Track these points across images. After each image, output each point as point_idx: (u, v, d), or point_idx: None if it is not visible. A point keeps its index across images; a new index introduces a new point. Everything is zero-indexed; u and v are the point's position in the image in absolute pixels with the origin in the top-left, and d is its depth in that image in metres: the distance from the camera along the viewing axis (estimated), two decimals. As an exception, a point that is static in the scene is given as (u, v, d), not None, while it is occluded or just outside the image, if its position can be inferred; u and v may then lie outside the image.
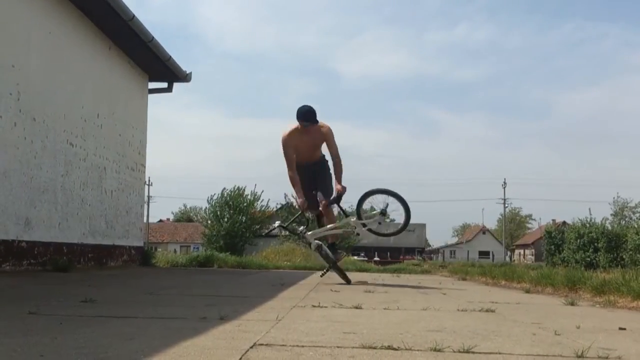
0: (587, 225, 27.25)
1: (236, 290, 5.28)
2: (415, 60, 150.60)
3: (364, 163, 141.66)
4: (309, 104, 6.35)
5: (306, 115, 6.22)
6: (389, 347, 2.19)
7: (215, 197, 32.32)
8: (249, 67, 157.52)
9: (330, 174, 6.55)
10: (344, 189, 6.36)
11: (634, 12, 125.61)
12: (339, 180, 6.39)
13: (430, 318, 3.30)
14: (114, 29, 9.30)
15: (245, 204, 31.92)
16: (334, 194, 6.41)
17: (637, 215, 46.29)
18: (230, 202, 31.75)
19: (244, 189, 32.15)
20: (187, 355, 1.96)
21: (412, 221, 6.67)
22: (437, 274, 12.72)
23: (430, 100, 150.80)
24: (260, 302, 4.00)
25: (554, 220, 45.11)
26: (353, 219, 6.72)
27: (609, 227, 27.18)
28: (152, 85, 11.78)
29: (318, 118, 6.27)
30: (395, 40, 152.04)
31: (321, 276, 7.14)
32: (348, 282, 6.65)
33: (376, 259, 47.60)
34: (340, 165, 6.43)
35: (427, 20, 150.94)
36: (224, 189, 32.39)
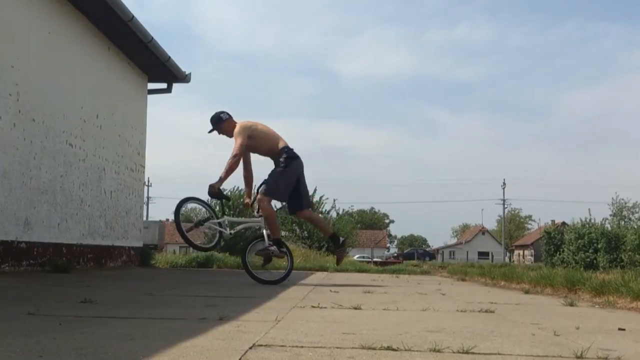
0: (587, 225, 27.28)
1: (235, 291, 5.28)
2: (416, 60, 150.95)
3: (363, 163, 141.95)
4: (216, 111, 6.46)
5: (210, 123, 6.41)
6: (389, 348, 2.19)
7: (211, 200, 32.28)
8: (249, 67, 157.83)
9: (273, 170, 6.42)
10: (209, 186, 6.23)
11: (635, 11, 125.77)
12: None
13: (430, 319, 3.30)
14: (113, 30, 9.30)
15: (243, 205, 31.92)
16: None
17: (637, 215, 46.30)
18: (230, 203, 31.73)
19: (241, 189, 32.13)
20: (186, 356, 1.96)
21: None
22: (437, 274, 12.72)
23: (431, 99, 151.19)
24: (260, 302, 4.00)
25: (553, 220, 45.07)
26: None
27: (609, 228, 27.22)
28: (152, 85, 11.79)
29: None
30: (395, 40, 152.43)
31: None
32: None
33: (376, 259, 47.52)
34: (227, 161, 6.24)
35: (428, 19, 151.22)
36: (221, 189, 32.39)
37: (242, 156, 6.30)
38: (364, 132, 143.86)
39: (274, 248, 6.20)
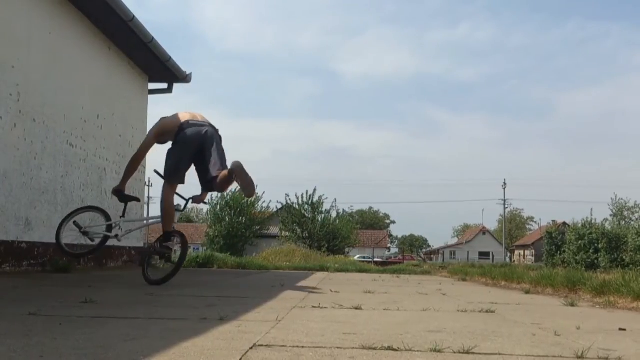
0: (588, 226, 27.27)
1: (236, 291, 5.27)
2: (417, 60, 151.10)
3: (364, 163, 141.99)
4: None
5: None
6: (389, 348, 2.19)
7: (214, 198, 32.34)
8: (250, 67, 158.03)
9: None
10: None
11: (636, 11, 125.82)
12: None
13: (430, 319, 3.30)
14: (114, 30, 9.31)
15: (245, 205, 31.94)
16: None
17: (637, 215, 46.26)
18: (231, 203, 31.78)
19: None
20: (187, 356, 1.96)
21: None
22: (437, 274, 12.72)
23: (432, 99, 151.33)
24: (260, 302, 4.00)
25: (554, 221, 45.00)
26: None
27: (609, 228, 27.21)
28: (152, 86, 11.79)
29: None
30: (396, 40, 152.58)
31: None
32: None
33: (377, 259, 47.56)
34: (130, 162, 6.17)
35: (429, 19, 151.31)
36: None
37: (142, 157, 6.14)
38: (364, 132, 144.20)
39: (156, 245, 5.81)
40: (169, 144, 5.81)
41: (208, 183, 5.70)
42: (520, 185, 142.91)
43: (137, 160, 6.06)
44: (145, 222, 6.82)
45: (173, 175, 5.64)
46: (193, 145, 5.58)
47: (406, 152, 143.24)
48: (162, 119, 5.97)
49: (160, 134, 5.88)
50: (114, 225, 6.26)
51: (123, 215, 6.35)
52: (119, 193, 6.16)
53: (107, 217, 6.37)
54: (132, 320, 2.89)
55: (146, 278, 5.69)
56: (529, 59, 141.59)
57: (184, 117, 5.76)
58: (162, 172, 5.74)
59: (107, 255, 9.69)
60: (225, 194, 31.85)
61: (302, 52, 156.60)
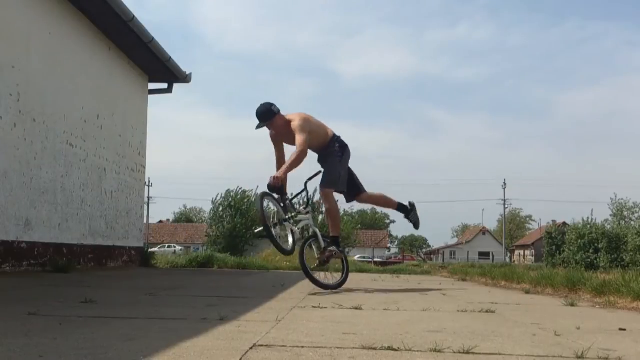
0: (588, 225, 27.25)
1: (236, 291, 5.27)
2: (416, 60, 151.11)
3: (363, 163, 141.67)
4: (263, 103, 5.74)
5: (257, 117, 5.74)
6: (389, 348, 2.19)
7: (218, 198, 32.44)
8: (249, 67, 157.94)
9: (330, 161, 5.88)
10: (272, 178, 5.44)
11: (635, 11, 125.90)
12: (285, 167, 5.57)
13: (431, 319, 3.30)
14: (114, 30, 9.31)
15: (245, 206, 31.93)
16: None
17: (637, 215, 46.29)
18: (233, 204, 31.80)
19: (250, 191, 32.15)
20: (187, 356, 1.96)
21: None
22: (437, 274, 12.72)
23: (431, 99, 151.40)
24: (260, 302, 4.00)
25: (554, 220, 45.01)
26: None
27: (609, 228, 27.21)
28: (152, 86, 11.80)
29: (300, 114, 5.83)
30: (395, 40, 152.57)
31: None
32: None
33: (377, 259, 47.55)
34: (295, 155, 5.58)
35: (427, 19, 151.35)
36: (228, 190, 32.39)
37: (307, 153, 5.66)
38: (363, 132, 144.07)
39: (333, 248, 5.74)
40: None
41: (355, 194, 6.15)
42: (520, 185, 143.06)
43: (304, 154, 5.62)
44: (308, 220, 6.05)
45: (343, 184, 5.91)
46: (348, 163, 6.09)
47: (406, 152, 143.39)
48: (307, 118, 5.77)
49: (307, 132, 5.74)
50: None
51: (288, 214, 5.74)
52: (282, 184, 5.45)
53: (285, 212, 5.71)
54: (132, 320, 2.89)
55: (319, 283, 5.59)
56: (528, 58, 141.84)
57: (325, 127, 5.96)
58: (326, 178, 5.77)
59: (107, 255, 9.69)
60: (227, 195, 31.95)
61: (301, 52, 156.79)
